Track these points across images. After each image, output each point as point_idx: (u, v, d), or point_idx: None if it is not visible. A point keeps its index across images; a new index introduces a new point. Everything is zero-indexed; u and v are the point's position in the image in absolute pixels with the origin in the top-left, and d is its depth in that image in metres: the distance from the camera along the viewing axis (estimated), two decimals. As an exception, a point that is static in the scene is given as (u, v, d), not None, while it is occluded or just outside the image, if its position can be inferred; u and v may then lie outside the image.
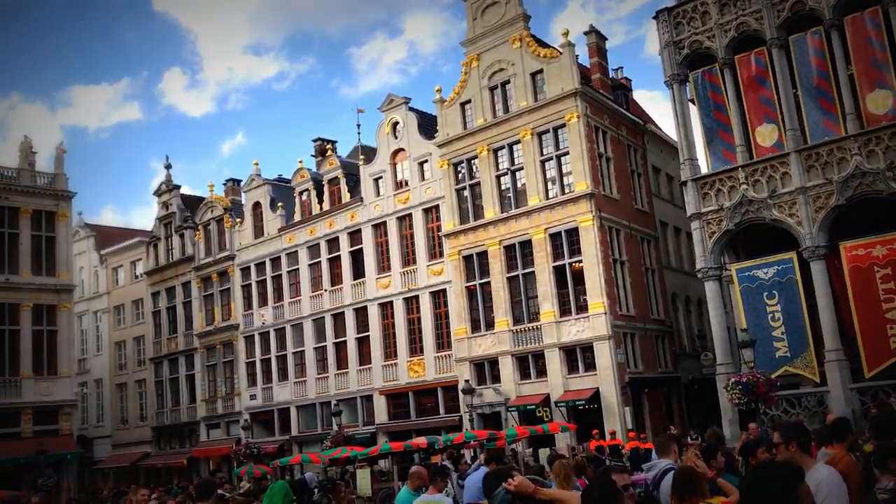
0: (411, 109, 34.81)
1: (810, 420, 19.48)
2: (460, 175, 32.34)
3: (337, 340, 36.17)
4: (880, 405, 19.45)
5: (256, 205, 40.76)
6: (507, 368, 29.76)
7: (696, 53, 24.41)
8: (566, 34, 29.86)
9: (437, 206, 32.95)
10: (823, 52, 22.03)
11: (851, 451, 6.34)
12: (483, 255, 31.05)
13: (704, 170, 24.30)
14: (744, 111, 23.61)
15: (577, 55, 30.57)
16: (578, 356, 28.33)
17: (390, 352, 34.04)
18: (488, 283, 30.82)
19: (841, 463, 5.59)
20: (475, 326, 31.08)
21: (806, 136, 22.31)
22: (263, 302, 39.76)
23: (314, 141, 43.11)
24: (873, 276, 20.43)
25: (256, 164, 42.08)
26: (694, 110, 25.12)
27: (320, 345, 36.95)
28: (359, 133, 41.80)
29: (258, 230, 40.41)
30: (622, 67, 38.85)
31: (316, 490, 14.86)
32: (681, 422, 30.35)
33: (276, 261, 39.37)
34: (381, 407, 33.91)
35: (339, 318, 36.23)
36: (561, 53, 29.90)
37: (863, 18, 21.39)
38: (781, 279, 22.04)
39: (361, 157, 36.27)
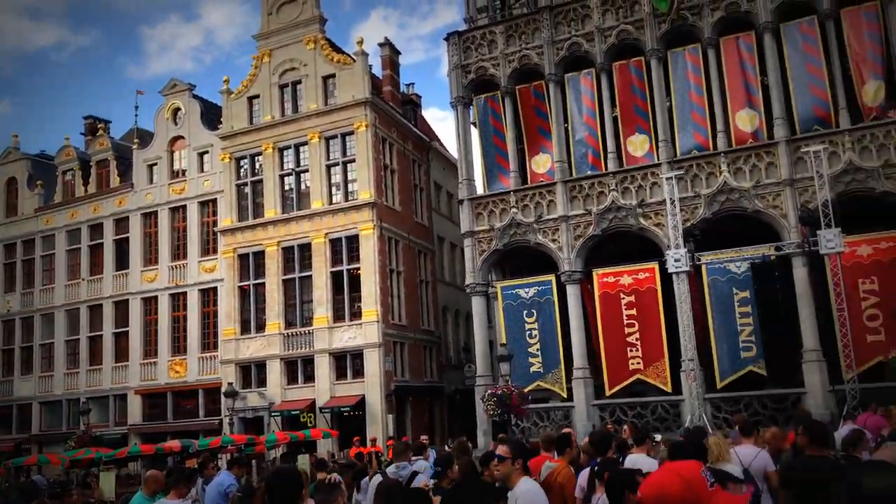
0: (195, 97, 33.39)
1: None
2: (242, 170, 31.44)
3: (92, 334, 33.72)
4: (618, 422, 21.30)
5: (12, 180, 37.17)
6: (275, 372, 29.23)
7: (482, 79, 25.50)
8: (361, 43, 30.07)
9: (214, 201, 31.80)
10: (593, 92, 23.85)
11: (573, 465, 6.84)
12: (260, 255, 30.35)
13: (481, 191, 25.38)
14: (521, 139, 24.97)
15: (370, 65, 30.86)
16: (348, 363, 28.43)
17: (151, 349, 32.26)
18: (263, 283, 30.16)
19: (560, 475, 6.02)
20: (245, 328, 30.26)
21: (572, 169, 23.98)
22: (10, 287, 36.22)
23: (85, 118, 40.01)
24: (619, 302, 22.33)
25: (16, 136, 38.40)
26: (476, 133, 26.20)
27: (73, 338, 34.26)
28: (136, 115, 39.55)
29: (11, 208, 36.82)
30: (413, 83, 39.76)
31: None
32: (442, 431, 31.35)
33: (28, 243, 36.08)
34: (135, 407, 32.01)
35: (96, 310, 33.82)
36: (355, 61, 30.04)
37: (628, 66, 23.40)
38: (541, 299, 23.49)
39: (136, 140, 34.21)
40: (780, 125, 21.21)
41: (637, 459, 7.19)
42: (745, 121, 21.88)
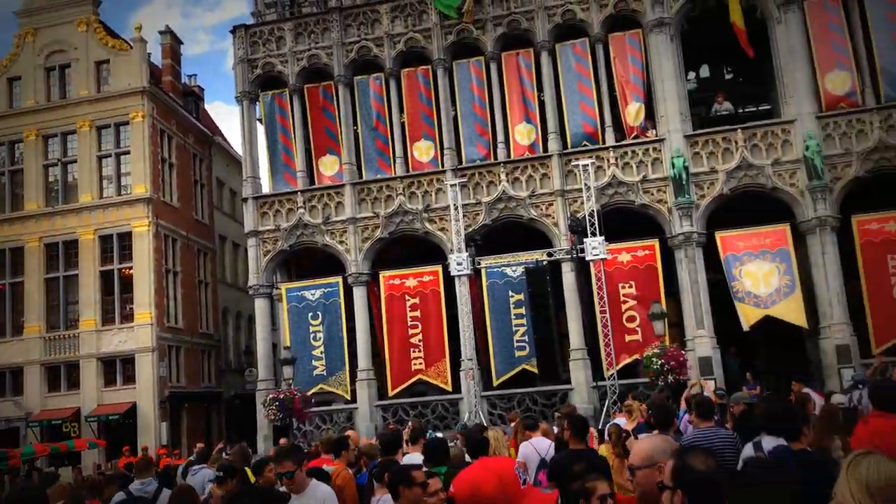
0: (-59, 74, 29.83)
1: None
2: (-2, 158, 28.52)
3: None
4: (399, 422, 21.62)
5: None
6: (34, 379, 26.77)
7: (269, 75, 24.95)
8: (139, 29, 28.41)
9: (-37, 190, 28.57)
10: (382, 97, 24.12)
11: (351, 467, 6.86)
12: (18, 252, 27.74)
13: (267, 189, 24.81)
14: (309, 139, 24.70)
15: (149, 53, 29.20)
16: (118, 368, 26.68)
17: None
18: (21, 283, 27.51)
19: (339, 478, 6.01)
20: (-1, 331, 27.47)
21: (362, 171, 24.10)
22: None
23: None
24: (404, 304, 22.74)
25: None
26: (263, 130, 25.56)
27: None
28: None
29: None
30: (196, 75, 38.21)
31: None
32: (220, 437, 30.21)
33: None
34: None
35: None
36: (132, 47, 28.28)
37: (416, 74, 23.92)
38: (327, 301, 23.36)
39: None
40: (553, 139, 22.62)
41: (413, 458, 7.33)
42: (522, 134, 23.09)
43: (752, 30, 21.71)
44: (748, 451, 7.33)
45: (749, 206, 21.25)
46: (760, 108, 24.68)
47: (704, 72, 26.51)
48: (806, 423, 6.09)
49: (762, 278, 20.66)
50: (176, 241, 29.31)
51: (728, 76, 26.38)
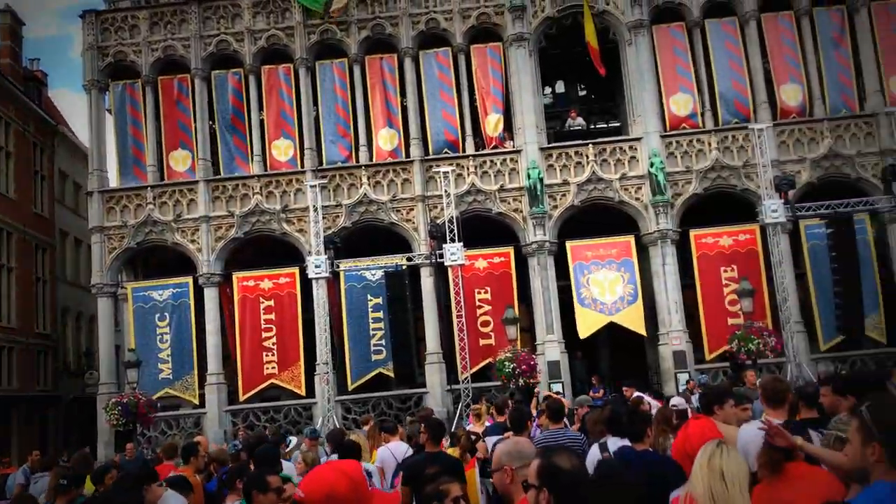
0: None
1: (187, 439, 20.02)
2: None
3: None
4: (250, 427, 21.12)
5: None
6: None
7: (121, 64, 23.76)
8: (-25, 5, 26.31)
9: None
10: (241, 93, 23.51)
11: (199, 473, 6.66)
12: None
13: (114, 183, 23.59)
14: (161, 132, 23.70)
15: (-15, 32, 27.13)
16: (-62, 371, 24.53)
17: None
18: None
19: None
20: None
21: (219, 168, 23.37)
22: None
23: None
24: (258, 306, 22.22)
25: None
26: (112, 121, 24.28)
27: None
28: None
29: None
30: (39, 59, 35.72)
31: None
32: (57, 443, 28.39)
33: None
34: None
35: None
36: (-35, 24, 26.17)
37: (277, 71, 23.47)
38: (175, 302, 22.48)
39: None
40: (416, 145, 22.82)
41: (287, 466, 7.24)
42: (385, 139, 23.14)
43: (605, 50, 22.79)
44: (594, 452, 7.68)
45: (598, 217, 22.29)
46: (611, 124, 25.94)
47: (560, 87, 27.54)
48: (648, 424, 6.47)
49: (608, 287, 21.69)
50: (11, 234, 27.35)
51: (582, 93, 27.55)
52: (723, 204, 22.36)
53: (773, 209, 19.68)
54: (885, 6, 22.77)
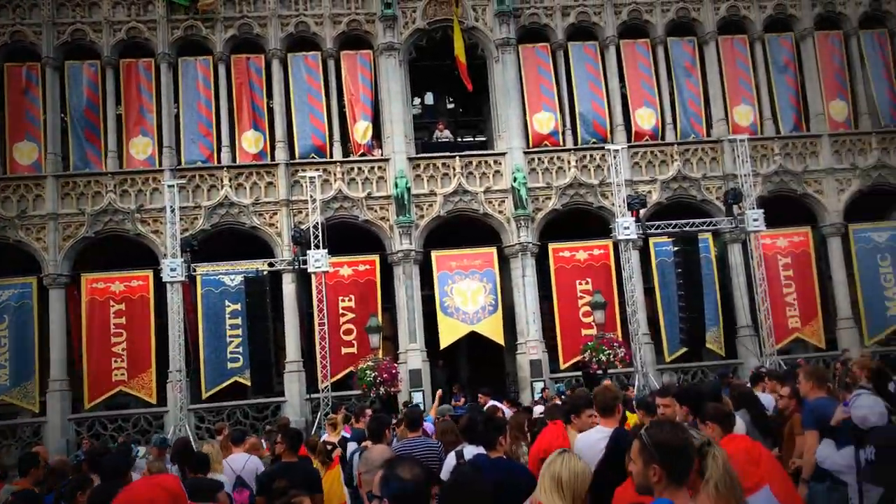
0: None
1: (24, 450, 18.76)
2: None
3: None
4: (96, 436, 20.05)
5: None
6: None
7: (-38, 47, 22.09)
8: None
9: None
10: (97, 86, 22.36)
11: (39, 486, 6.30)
12: None
13: (-49, 175, 21.85)
14: (4, 123, 22.16)
15: None
16: None
17: None
18: None
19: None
20: None
21: (69, 163, 22.12)
22: None
23: None
24: (108, 310, 21.15)
25: None
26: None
27: None
28: None
29: None
30: None
31: None
32: None
33: None
34: None
35: None
36: None
37: (137, 66, 22.51)
38: (16, 304, 21.07)
39: None
40: (281, 148, 22.44)
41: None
42: (250, 141, 22.60)
43: (474, 65, 23.28)
44: (451, 459, 7.78)
45: (463, 228, 22.69)
46: (477, 138, 26.47)
47: (429, 99, 27.87)
48: (502, 433, 6.63)
49: (470, 296, 22.09)
50: None
51: (450, 105, 27.98)
52: (580, 219, 23.30)
53: (625, 226, 20.67)
54: (730, 41, 24.44)
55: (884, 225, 24.59)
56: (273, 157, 22.54)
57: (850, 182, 23.99)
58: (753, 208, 21.45)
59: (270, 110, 23.00)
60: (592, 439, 5.94)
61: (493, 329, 22.08)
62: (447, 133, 24.62)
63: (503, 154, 22.97)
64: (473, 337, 22.23)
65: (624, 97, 23.83)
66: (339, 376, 21.16)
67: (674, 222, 21.15)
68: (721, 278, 23.26)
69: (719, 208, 22.74)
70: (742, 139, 22.51)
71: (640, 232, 21.07)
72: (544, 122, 23.36)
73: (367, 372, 19.51)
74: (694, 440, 3.26)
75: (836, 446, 5.54)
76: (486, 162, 23.11)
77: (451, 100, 27.87)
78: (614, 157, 21.65)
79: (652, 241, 22.47)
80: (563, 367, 22.06)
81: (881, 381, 7.25)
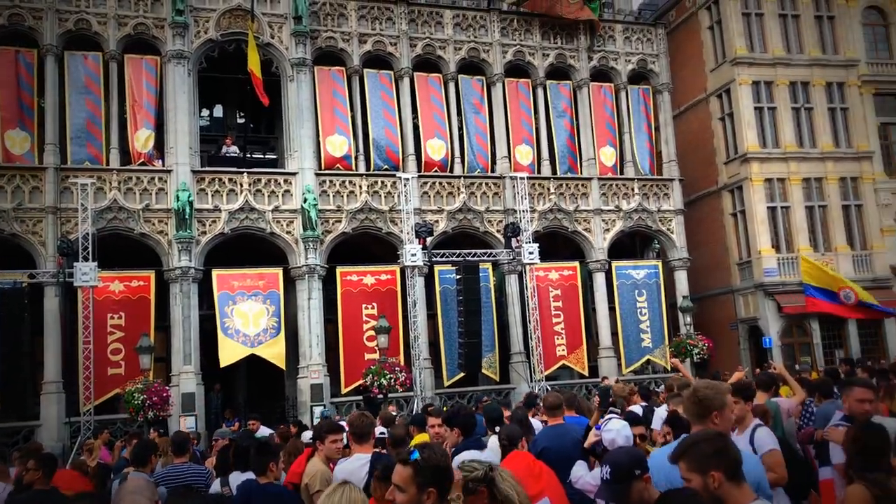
0: None
1: None
2: None
3: None
4: None
5: None
6: None
7: None
8: None
9: None
10: None
11: None
12: None
13: None
14: None
15: None
16: None
17: None
18: None
19: None
20: None
21: None
22: None
23: None
24: None
25: None
26: None
27: None
28: None
29: None
30: None
31: None
32: None
33: None
34: None
35: None
36: None
37: None
38: None
39: None
40: (50, 151, 20.73)
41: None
42: (15, 141, 20.70)
43: (268, 82, 22.88)
44: (216, 486, 7.52)
45: (248, 247, 22.12)
46: (268, 156, 25.98)
47: (219, 112, 27.05)
48: (273, 458, 6.53)
49: (252, 318, 21.51)
50: None
51: (241, 120, 27.27)
52: (369, 244, 23.53)
53: (412, 253, 21.19)
54: (516, 83, 25.92)
55: (642, 263, 27.06)
56: (41, 161, 20.76)
57: (614, 223, 26.16)
58: (530, 242, 22.83)
59: (41, 109, 21.20)
60: (352, 467, 6.04)
61: (274, 352, 21.61)
62: (235, 148, 23.94)
63: (294, 174, 22.73)
64: (254, 359, 21.64)
65: (416, 127, 24.48)
66: (103, 398, 19.75)
67: (458, 252, 21.97)
68: (498, 307, 24.40)
69: (499, 240, 23.90)
70: (522, 177, 23.92)
71: (427, 259, 21.69)
72: (337, 145, 23.41)
73: (136, 395, 18.36)
74: (476, 468, 3.45)
75: (588, 467, 6.00)
76: (275, 180, 22.73)
77: (242, 114, 27.18)
78: (405, 185, 22.14)
79: (437, 268, 23.17)
80: (344, 391, 22.04)
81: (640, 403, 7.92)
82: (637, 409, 9.85)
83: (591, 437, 6.12)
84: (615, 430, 5.86)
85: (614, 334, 25.73)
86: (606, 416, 6.57)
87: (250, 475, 6.63)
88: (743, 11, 29.19)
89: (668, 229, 26.79)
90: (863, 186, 29.19)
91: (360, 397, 21.23)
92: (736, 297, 28.93)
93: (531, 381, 22.75)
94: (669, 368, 24.31)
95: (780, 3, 29.67)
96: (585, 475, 5.80)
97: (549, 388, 20.99)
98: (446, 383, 23.21)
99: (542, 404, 7.51)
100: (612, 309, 25.82)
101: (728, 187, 29.37)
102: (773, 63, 28.87)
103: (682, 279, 26.73)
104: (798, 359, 26.74)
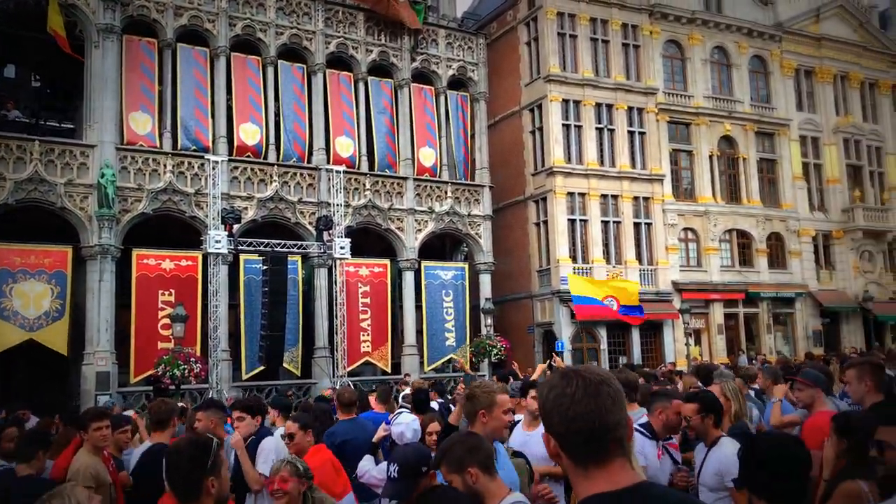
0: None
1: None
2: None
3: None
4: None
5: None
6: None
7: None
8: None
9: None
10: None
11: None
12: None
13: None
14: None
15: None
16: None
17: None
18: None
19: None
20: None
21: None
22: None
23: None
24: None
25: None
26: None
27: None
28: None
29: None
30: None
31: None
32: None
33: None
34: None
35: None
36: None
37: None
38: None
39: None
40: None
41: None
42: None
43: (72, 46, 21.12)
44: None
45: (36, 221, 20.35)
46: (63, 124, 23.95)
47: (10, 72, 24.69)
48: (41, 447, 6.05)
49: (34, 300, 19.81)
50: None
51: (36, 83, 25.08)
52: (170, 227, 22.38)
53: (216, 240, 20.40)
54: (338, 75, 25.69)
55: (450, 265, 27.71)
56: None
57: (426, 223, 26.57)
58: (342, 237, 22.67)
59: None
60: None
61: (55, 338, 19.96)
62: (17, 113, 21.88)
63: (92, 147, 21.17)
64: (36, 343, 19.89)
65: (230, 109, 23.59)
66: None
67: (266, 241, 21.38)
68: (305, 301, 24.03)
69: (311, 233, 23.53)
70: (339, 170, 23.73)
71: (232, 247, 20.93)
72: (141, 121, 22.07)
73: None
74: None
75: (374, 461, 5.98)
76: (71, 152, 21.07)
77: (37, 77, 24.99)
78: (213, 169, 21.27)
79: (243, 257, 22.44)
80: (133, 380, 20.83)
81: (421, 399, 7.99)
82: (435, 405, 10.04)
83: (380, 432, 6.11)
84: (405, 424, 5.90)
85: (419, 332, 26.13)
86: (397, 410, 6.60)
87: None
88: (559, 31, 30.67)
89: (477, 234, 27.60)
90: (653, 206, 31.54)
91: (151, 387, 20.15)
92: (534, 303, 30.34)
93: (333, 376, 22.59)
94: (459, 368, 25.10)
95: (593, 28, 31.47)
96: (371, 469, 5.79)
97: (351, 384, 20.95)
98: (244, 376, 22.53)
99: (337, 400, 7.44)
100: (418, 308, 26.22)
101: (534, 198, 30.73)
102: (582, 84, 30.54)
103: (486, 282, 27.62)
104: (586, 362, 28.47)
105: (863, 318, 35.47)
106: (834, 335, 35.28)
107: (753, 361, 24.23)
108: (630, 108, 31.65)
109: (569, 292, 28.54)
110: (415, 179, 26.49)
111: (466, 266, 27.79)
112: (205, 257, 21.36)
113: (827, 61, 37.14)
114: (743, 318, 33.29)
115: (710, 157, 33.40)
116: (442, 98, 27.78)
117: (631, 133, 31.65)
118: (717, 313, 32.37)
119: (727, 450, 4.87)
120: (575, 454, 1.91)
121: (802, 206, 35.38)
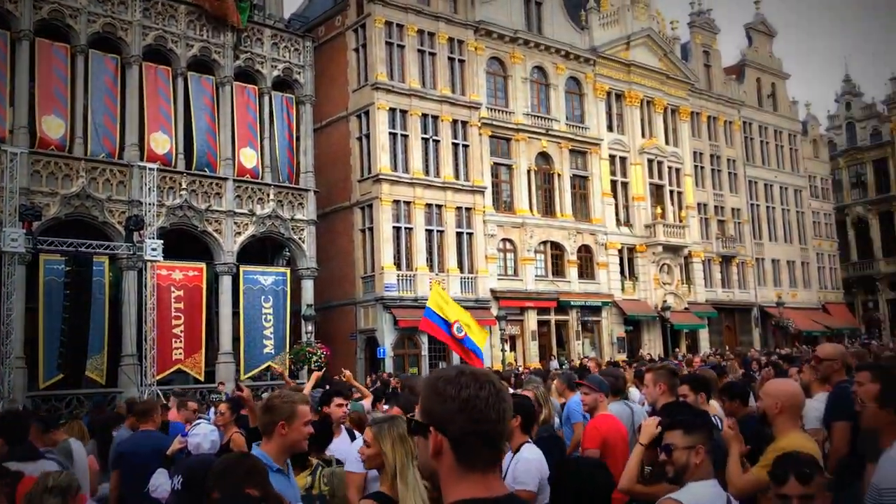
0: None
1: None
2: None
3: None
4: None
5: None
6: None
7: None
8: None
9: None
10: None
11: None
12: None
13: None
14: None
15: None
16: None
17: None
18: None
19: None
20: None
21: None
22: None
23: None
24: None
25: None
26: None
27: None
28: None
29: None
30: None
31: None
32: None
33: None
34: None
35: None
36: None
37: None
38: None
39: None
40: None
41: None
42: None
43: None
44: None
45: None
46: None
47: None
48: None
49: None
50: None
51: None
52: (83, 229, 20.63)
53: (13, 238, 18.77)
54: (155, 69, 24.49)
55: (271, 270, 27.10)
56: None
57: (247, 226, 25.85)
58: (154, 238, 21.54)
59: None
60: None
61: None
62: None
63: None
64: None
65: (32, 98, 21.88)
66: None
67: (70, 241, 19.95)
68: (112, 305, 22.66)
69: (120, 233, 22.23)
70: (152, 168, 22.54)
71: (31, 246, 19.35)
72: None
73: None
74: None
75: (168, 475, 5.69)
76: None
77: None
78: (11, 161, 19.62)
79: (43, 257, 20.84)
80: None
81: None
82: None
83: (176, 444, 5.86)
84: (202, 435, 5.68)
85: (236, 339, 25.32)
86: (195, 420, 6.35)
87: None
88: (386, 40, 30.89)
89: (300, 238, 27.19)
90: (475, 217, 32.44)
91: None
92: (358, 309, 30.29)
93: (141, 385, 21.41)
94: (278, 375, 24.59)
95: (420, 39, 31.97)
96: (165, 483, 5.51)
97: (160, 394, 19.95)
98: (42, 385, 20.90)
99: (132, 409, 7.04)
100: (236, 314, 25.42)
101: (360, 204, 30.73)
102: (409, 94, 30.93)
103: (308, 288, 27.25)
104: (407, 368, 28.76)
105: (661, 326, 38.21)
106: (636, 342, 37.80)
107: (564, 366, 25.44)
108: (455, 121, 32.40)
109: (392, 299, 28.72)
110: (235, 180, 25.71)
111: (288, 271, 27.28)
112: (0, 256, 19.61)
113: (635, 86, 39.82)
114: (554, 324, 34.93)
115: (529, 171, 34.83)
116: (266, 98, 27.18)
117: (455, 145, 32.40)
118: (532, 320, 33.76)
119: (528, 455, 4.87)
120: (467, 456, 1.88)
121: (610, 221, 37.65)
